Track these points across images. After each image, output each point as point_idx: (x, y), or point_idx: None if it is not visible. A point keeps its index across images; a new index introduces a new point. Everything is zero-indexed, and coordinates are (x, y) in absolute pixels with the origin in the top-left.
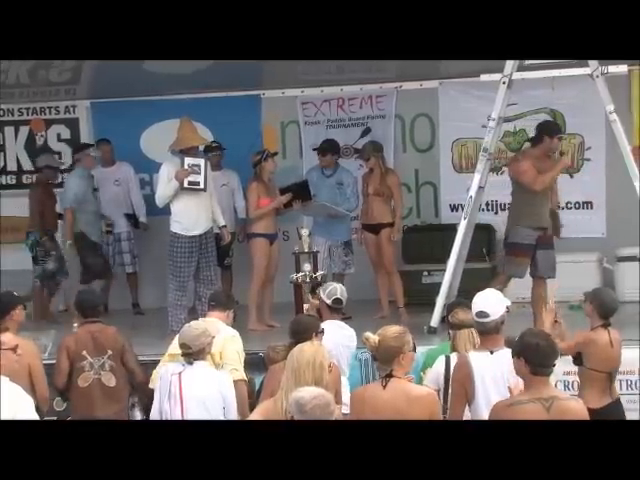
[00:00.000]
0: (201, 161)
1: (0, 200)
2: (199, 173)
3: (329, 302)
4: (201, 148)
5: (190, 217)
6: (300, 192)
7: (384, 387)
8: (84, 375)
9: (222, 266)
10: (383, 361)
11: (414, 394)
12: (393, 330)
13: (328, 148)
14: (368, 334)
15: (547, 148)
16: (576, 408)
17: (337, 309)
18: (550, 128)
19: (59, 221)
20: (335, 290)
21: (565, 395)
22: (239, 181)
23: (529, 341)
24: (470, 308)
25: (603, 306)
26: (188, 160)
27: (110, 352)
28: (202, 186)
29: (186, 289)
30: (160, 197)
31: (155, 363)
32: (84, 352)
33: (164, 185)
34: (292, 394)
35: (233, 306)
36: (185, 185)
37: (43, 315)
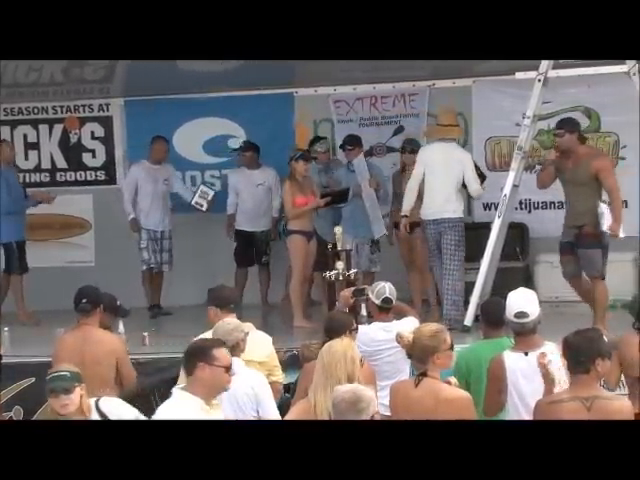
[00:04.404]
0: None
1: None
2: None
3: (378, 302)
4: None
5: None
6: (339, 198)
7: (416, 385)
8: None
9: (260, 264)
10: (417, 360)
11: (443, 395)
12: (429, 328)
13: (355, 142)
14: (402, 332)
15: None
16: (620, 408)
17: (386, 308)
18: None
19: None
20: (384, 289)
21: (609, 394)
22: (277, 179)
23: (565, 339)
24: (502, 306)
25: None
26: None
27: None
28: None
29: None
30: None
31: None
32: None
33: None
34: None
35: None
36: None
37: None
